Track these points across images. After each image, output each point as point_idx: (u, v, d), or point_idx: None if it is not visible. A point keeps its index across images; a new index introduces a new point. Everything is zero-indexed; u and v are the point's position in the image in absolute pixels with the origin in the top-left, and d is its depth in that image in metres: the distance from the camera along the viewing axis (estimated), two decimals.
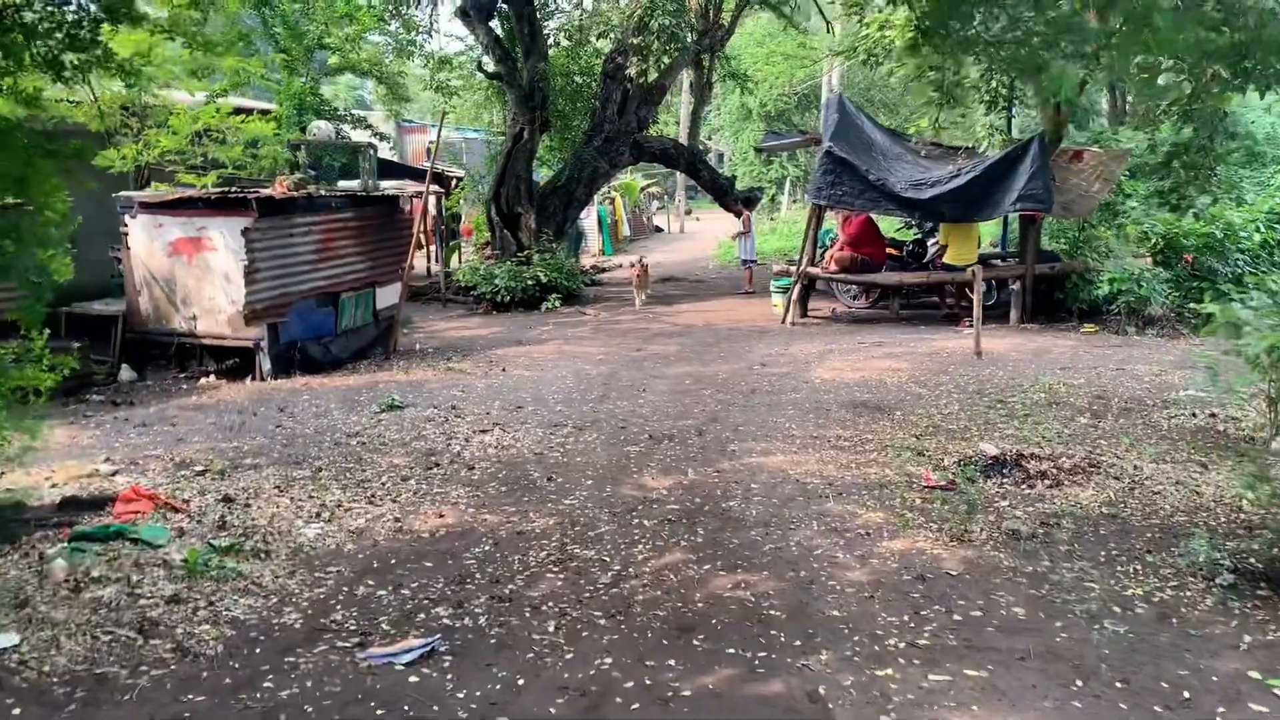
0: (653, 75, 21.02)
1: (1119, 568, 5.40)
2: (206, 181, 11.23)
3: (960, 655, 4.46)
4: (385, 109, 21.52)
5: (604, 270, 25.38)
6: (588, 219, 30.42)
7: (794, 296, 14.48)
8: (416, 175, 25.17)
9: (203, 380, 11.38)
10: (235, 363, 12.06)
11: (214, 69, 14.00)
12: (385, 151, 19.17)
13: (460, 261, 22.16)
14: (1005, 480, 6.84)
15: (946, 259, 14.17)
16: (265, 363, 11.38)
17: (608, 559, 5.64)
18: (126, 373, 11.80)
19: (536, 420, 8.94)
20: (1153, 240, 14.69)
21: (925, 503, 6.43)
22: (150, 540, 5.83)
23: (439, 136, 12.66)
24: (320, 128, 12.45)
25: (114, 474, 7.28)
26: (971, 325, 13.43)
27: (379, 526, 6.21)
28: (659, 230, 39.42)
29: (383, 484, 7.05)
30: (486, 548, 5.85)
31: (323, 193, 12.13)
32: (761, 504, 6.49)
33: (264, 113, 14.13)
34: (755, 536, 5.91)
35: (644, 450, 7.92)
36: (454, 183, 23.23)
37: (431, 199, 25.49)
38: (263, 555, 5.70)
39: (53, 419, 9.42)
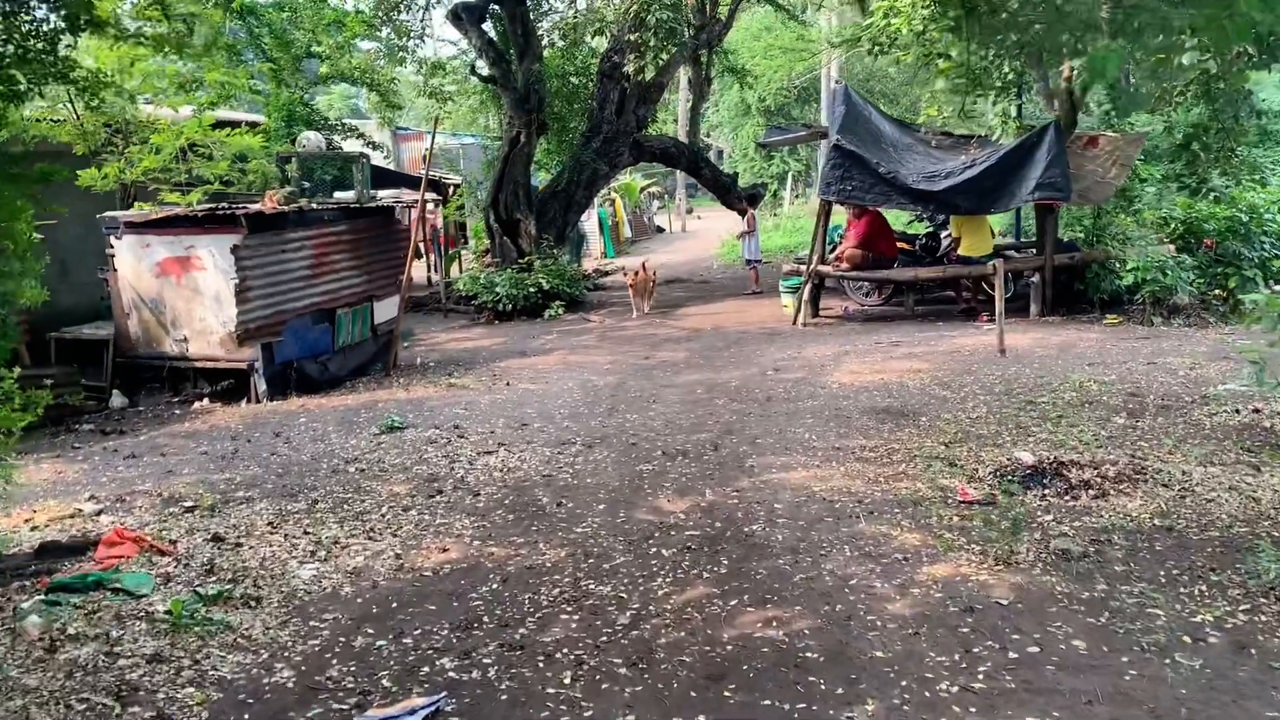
0: (650, 73, 20.62)
1: (1182, 589, 4.95)
2: (192, 199, 10.81)
3: (1021, 700, 4.03)
4: (379, 117, 21.09)
5: (607, 274, 24.94)
6: (589, 222, 30.02)
7: (804, 296, 14.04)
8: (414, 183, 24.81)
9: (196, 404, 10.98)
10: (230, 384, 11.65)
11: (200, 82, 13.61)
12: (380, 160, 18.75)
13: (461, 270, 21.78)
14: (1046, 492, 6.40)
15: (961, 251, 13.73)
16: (260, 384, 10.97)
17: (625, 595, 5.21)
18: (118, 399, 11.40)
19: (543, 438, 8.51)
20: (1171, 225, 14.24)
21: (964, 520, 5.99)
22: (133, 589, 5.41)
23: (432, 143, 12.24)
24: (310, 139, 12.04)
25: (98, 513, 6.86)
26: (990, 320, 13.00)
27: (379, 565, 5.78)
28: (661, 230, 38.98)
29: (382, 516, 6.63)
30: (494, 586, 5.43)
31: (314, 206, 11.72)
32: (787, 527, 6.06)
33: (252, 125, 13.73)
34: (783, 565, 5.47)
35: (657, 469, 7.49)
36: (451, 190, 22.81)
37: (430, 206, 25.17)
38: (253, 603, 5.27)
39: (39, 452, 9.07)
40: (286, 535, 6.29)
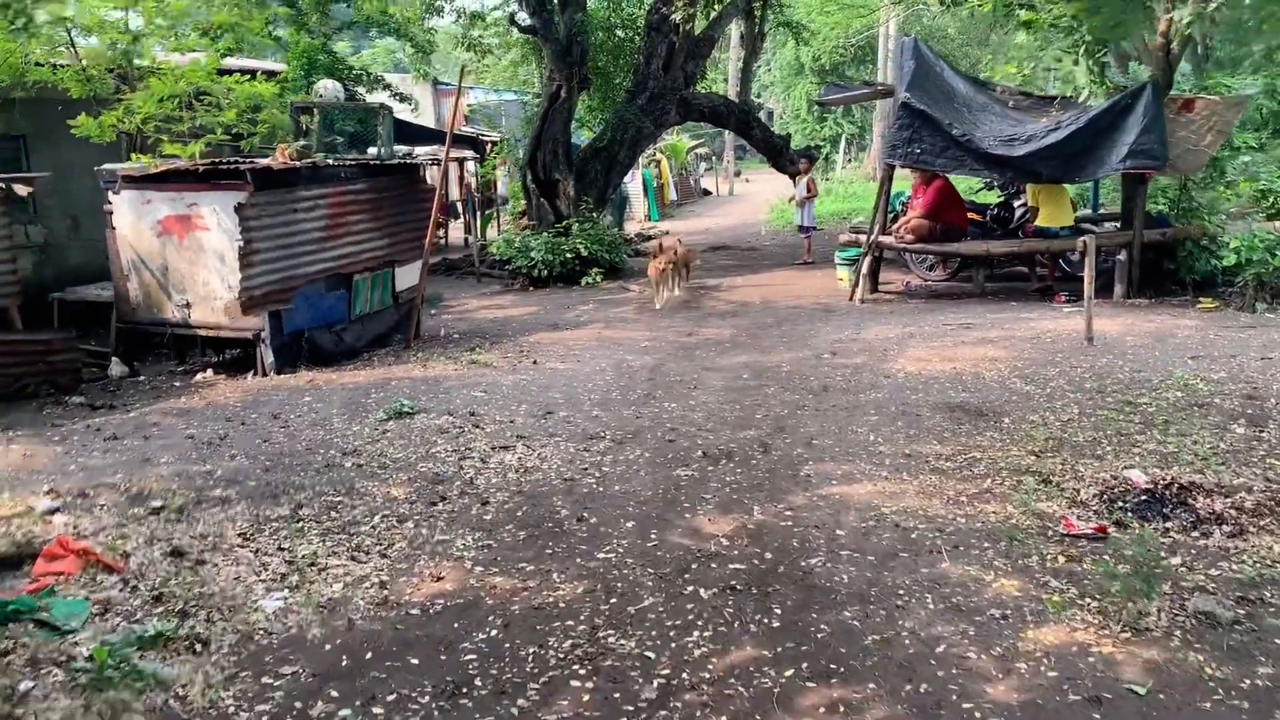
0: (700, 25, 19.32)
1: None
2: (194, 151, 9.85)
3: None
4: (415, 70, 20.02)
5: (650, 238, 23.84)
6: (632, 183, 28.87)
7: (864, 270, 12.85)
8: (457, 140, 23.81)
9: (199, 376, 10.11)
10: (237, 354, 10.78)
11: (220, 28, 12.64)
12: (410, 114, 17.67)
13: (499, 232, 20.78)
14: (1169, 526, 5.27)
15: (1039, 223, 12.44)
16: (267, 355, 10.06)
17: (652, 654, 4.19)
18: (117, 367, 10.57)
19: (568, 431, 7.49)
20: (1270, 199, 12.86)
21: (1072, 562, 4.88)
22: (61, 622, 4.49)
23: (459, 94, 11.16)
24: (327, 88, 11.04)
25: (52, 512, 5.96)
26: (1069, 300, 11.81)
27: (358, 596, 4.81)
28: (707, 193, 37.72)
29: (373, 528, 5.65)
30: (493, 632, 4.43)
31: (330, 162, 10.73)
32: (853, 563, 4.99)
33: (271, 74, 12.72)
34: (851, 620, 4.41)
35: (697, 475, 6.44)
36: (489, 147, 21.76)
37: (468, 165, 24.15)
38: (199, 647, 4.32)
39: (19, 428, 8.25)
40: (258, 550, 5.34)
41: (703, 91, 21.75)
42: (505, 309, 14.34)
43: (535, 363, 9.99)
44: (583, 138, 22.77)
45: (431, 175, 13.02)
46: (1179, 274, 12.17)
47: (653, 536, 5.43)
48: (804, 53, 35.73)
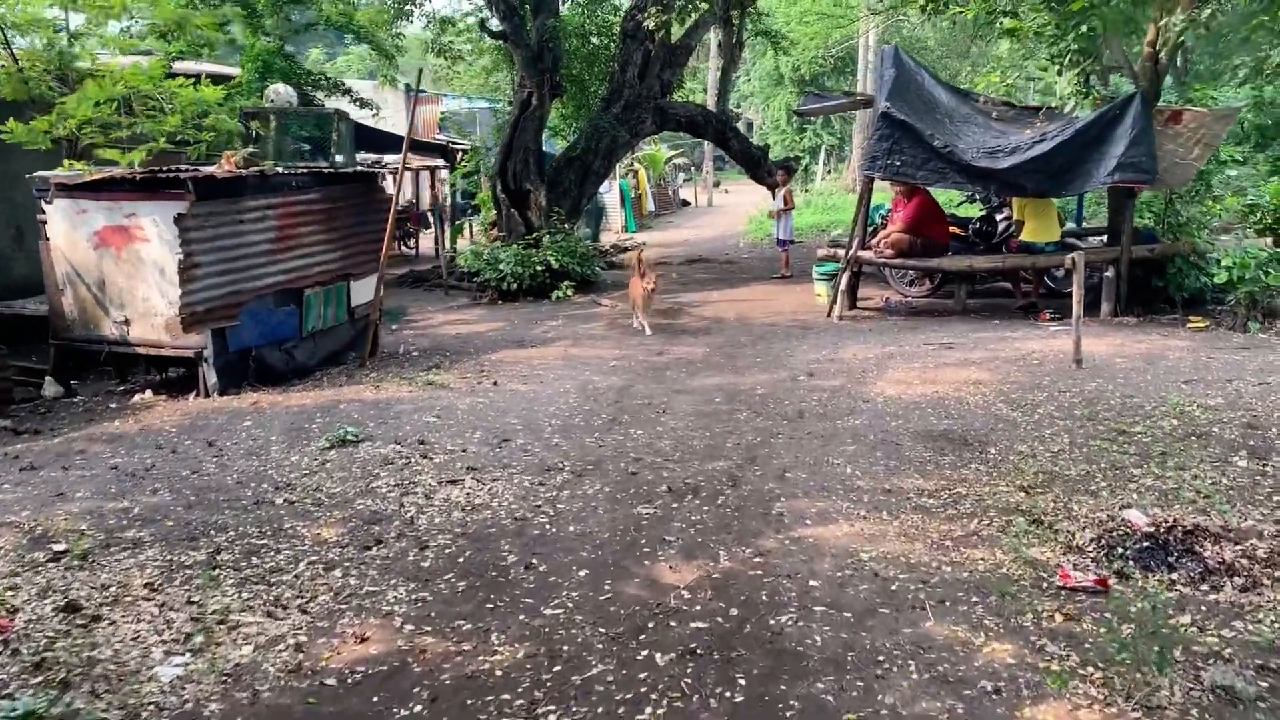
0: (676, 32, 18.88)
1: None
2: (134, 159, 9.26)
3: None
4: (381, 76, 19.46)
5: (626, 249, 23.36)
6: (609, 194, 28.42)
7: (842, 286, 12.38)
8: (424, 148, 23.26)
9: (136, 397, 9.50)
10: (181, 373, 10.17)
11: (168, 25, 12.05)
12: (372, 120, 17.04)
13: (473, 241, 20.22)
14: (1175, 577, 4.77)
15: (1024, 237, 12.01)
16: (210, 376, 9.46)
17: None
18: (51, 387, 9.95)
19: (524, 462, 6.94)
20: (1258, 214, 12.48)
21: (1071, 620, 4.38)
22: None
23: (415, 100, 10.59)
24: (279, 92, 10.46)
25: None
26: (1055, 319, 11.36)
27: (269, 662, 4.25)
28: (686, 204, 37.29)
29: (296, 577, 5.09)
30: (417, 708, 3.88)
31: (279, 170, 10.15)
32: (828, 621, 4.47)
33: (224, 79, 12.13)
34: (824, 693, 3.88)
35: (660, 513, 5.91)
36: (459, 156, 21.22)
37: (441, 174, 23.60)
38: None
39: None
40: (164, 604, 4.77)
41: (680, 101, 21.33)
42: (471, 324, 13.79)
43: (495, 384, 9.44)
44: (557, 147, 22.29)
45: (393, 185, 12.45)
46: (1168, 291, 11.76)
47: (607, 587, 4.89)
48: (783, 63, 35.44)
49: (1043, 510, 5.71)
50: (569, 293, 15.72)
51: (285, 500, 6.21)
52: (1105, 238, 13.27)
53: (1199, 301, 11.81)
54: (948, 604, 4.58)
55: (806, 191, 33.22)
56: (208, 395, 9.38)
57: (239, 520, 5.86)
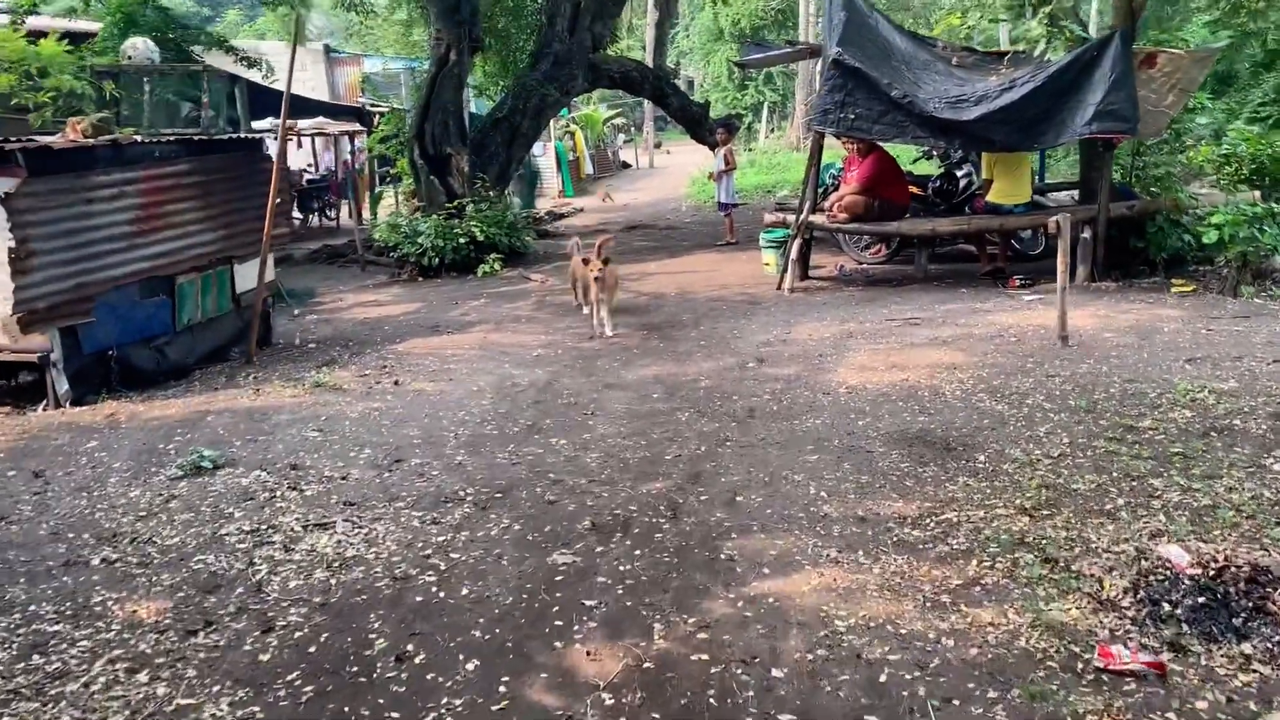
0: None
1: None
2: None
3: None
4: (279, 32, 17.76)
5: (562, 216, 22.01)
6: (544, 157, 26.97)
7: (793, 255, 11.18)
8: (345, 113, 21.59)
9: None
10: (31, 380, 8.70)
11: None
12: (263, 80, 15.34)
13: (392, 212, 18.68)
14: (1245, 645, 3.65)
15: (991, 198, 10.89)
16: (60, 383, 8.03)
17: None
18: None
19: (416, 491, 5.67)
20: (1233, 166, 11.49)
21: None
22: None
23: (293, 52, 9.10)
24: (137, 47, 8.96)
25: None
26: (1024, 285, 10.31)
27: None
28: (626, 166, 35.87)
29: (86, 686, 3.78)
30: None
31: (138, 139, 8.67)
32: None
33: (83, 37, 10.51)
34: None
35: (579, 561, 4.68)
36: (376, 119, 19.64)
37: (359, 140, 21.96)
38: None
39: None
40: None
41: (614, 56, 19.90)
42: (384, 305, 12.40)
43: (397, 383, 8.12)
44: (485, 106, 20.79)
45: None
46: (1147, 253, 10.73)
47: (502, 691, 3.66)
48: (723, 15, 34.01)
49: (1054, 542, 4.58)
50: (496, 267, 14.36)
51: (104, 560, 4.88)
52: (1076, 194, 12.25)
53: (1179, 262, 10.81)
54: (956, 703, 3.41)
55: (749, 150, 31.98)
56: (59, 405, 7.96)
57: (32, 594, 4.53)
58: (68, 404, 7.97)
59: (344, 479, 5.88)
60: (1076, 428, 6.10)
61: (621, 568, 4.59)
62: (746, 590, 4.30)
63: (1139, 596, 4.02)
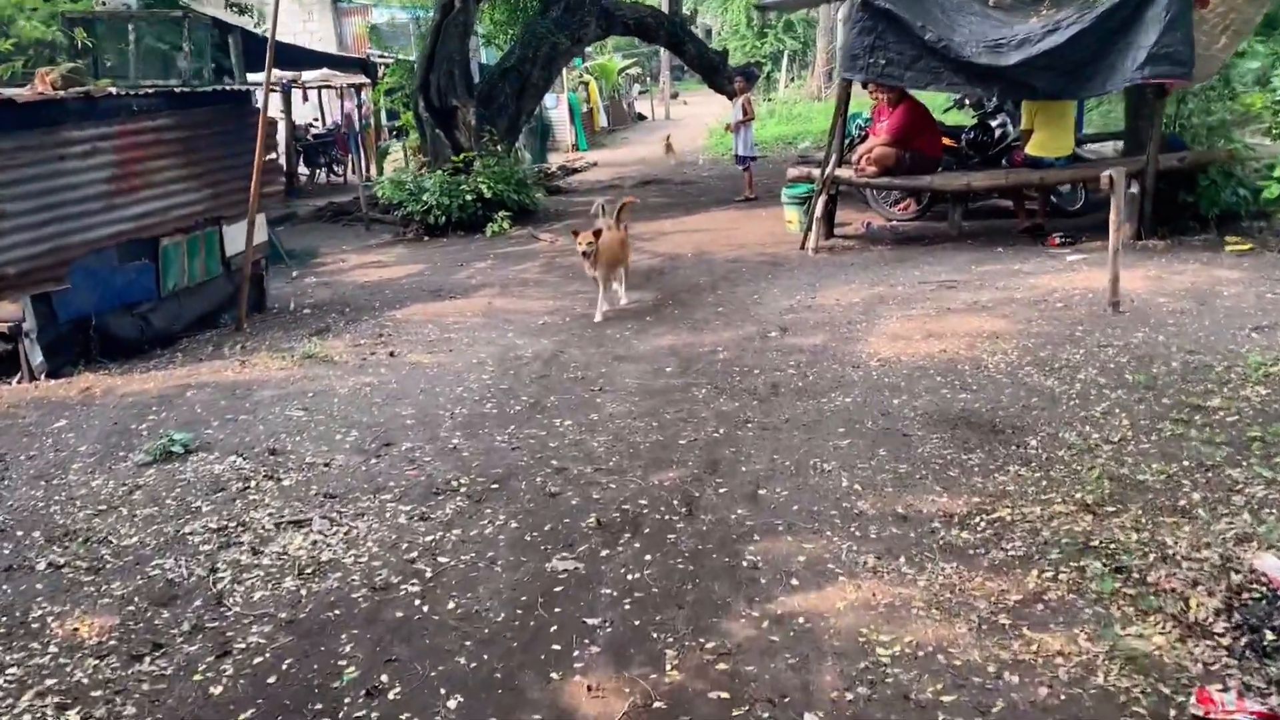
0: None
1: None
2: None
3: None
4: None
5: (575, 170, 21.32)
6: (557, 109, 26.24)
7: (817, 212, 10.49)
8: (357, 65, 20.83)
9: None
10: (9, 349, 8.18)
11: None
12: (254, 28, 14.63)
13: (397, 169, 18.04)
14: None
15: (1031, 150, 10.14)
16: (34, 354, 7.54)
17: None
18: None
19: (404, 481, 5.12)
20: None
21: None
22: None
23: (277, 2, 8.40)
24: None
25: None
26: (1064, 243, 9.64)
27: None
28: (642, 118, 35.06)
29: None
30: None
31: (113, 90, 8.07)
32: None
33: None
34: None
35: (582, 568, 4.13)
36: (381, 71, 18.93)
37: (364, 93, 21.28)
38: None
39: None
40: None
41: (628, 2, 19.06)
42: (386, 267, 11.83)
43: (393, 355, 7.56)
44: (494, 56, 20.06)
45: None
46: (1198, 208, 9.99)
47: None
48: None
49: (1124, 546, 3.99)
50: (505, 225, 13.74)
51: (51, 565, 4.37)
52: (1116, 145, 11.50)
53: (1232, 219, 10.06)
54: None
55: (769, 100, 31.02)
56: (33, 378, 7.46)
57: None
58: (42, 376, 7.47)
59: (326, 466, 5.33)
60: (1137, 407, 5.48)
61: (630, 576, 4.04)
62: (772, 607, 3.74)
63: (1234, 621, 3.43)
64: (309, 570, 4.20)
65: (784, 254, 10.57)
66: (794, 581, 3.92)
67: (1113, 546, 4.02)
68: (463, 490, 4.98)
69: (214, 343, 8.38)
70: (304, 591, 4.03)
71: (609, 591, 3.93)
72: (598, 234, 8.23)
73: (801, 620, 3.63)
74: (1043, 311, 7.47)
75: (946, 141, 11.19)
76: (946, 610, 3.65)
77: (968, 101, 12.59)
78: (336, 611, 3.88)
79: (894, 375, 6.34)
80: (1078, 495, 4.50)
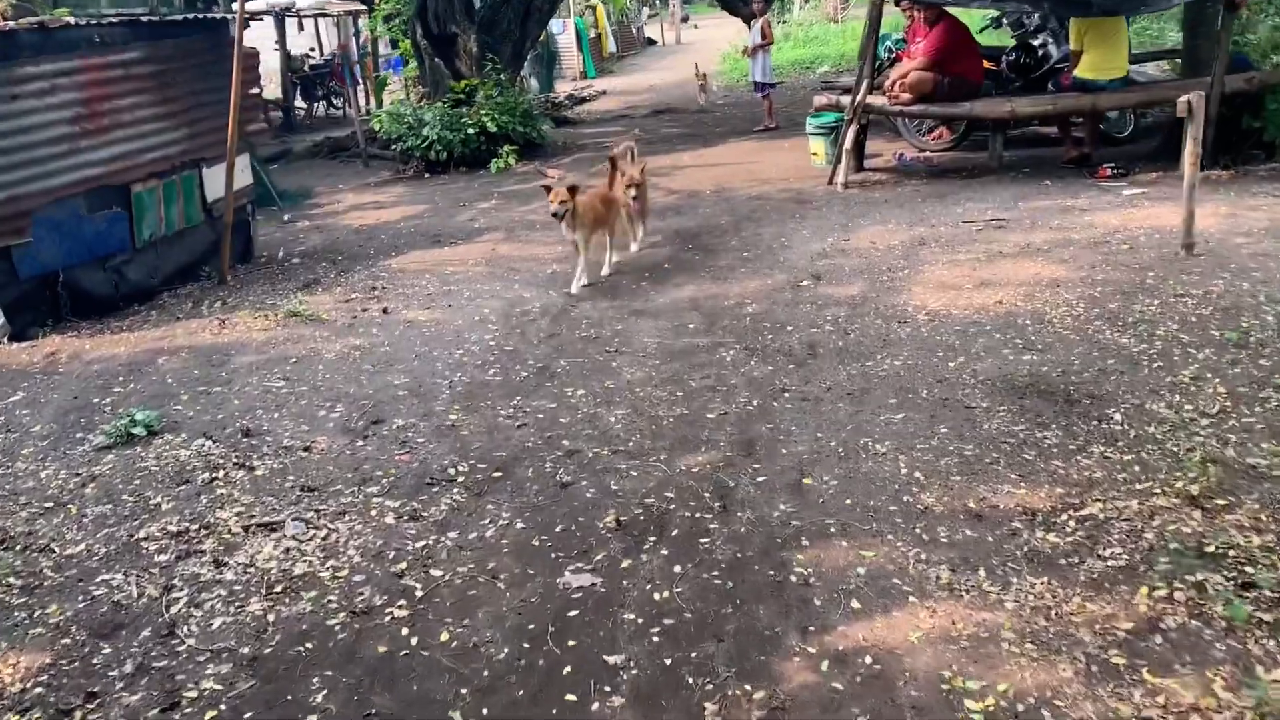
0: None
1: None
2: None
3: None
4: None
5: (584, 100, 20.38)
6: (564, 35, 25.14)
7: (847, 144, 9.66)
8: None
9: None
10: None
11: None
12: None
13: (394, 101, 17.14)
14: None
15: (1081, 72, 9.25)
16: None
17: None
18: None
19: (393, 471, 4.47)
20: None
21: None
22: None
23: None
24: None
25: None
26: (1116, 174, 8.85)
27: None
28: (651, 43, 33.82)
29: None
30: None
31: (71, 20, 7.28)
32: None
33: None
34: None
35: (600, 586, 3.49)
36: None
37: (361, 21, 20.26)
38: None
39: None
40: None
41: None
42: (384, 208, 11.09)
43: (386, 311, 6.88)
44: None
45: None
46: (1263, 134, 9.13)
47: None
48: None
49: (1245, 553, 3.34)
50: (510, 160, 12.93)
51: None
52: (1164, 65, 10.64)
53: None
54: None
55: (783, 24, 29.75)
56: None
57: None
58: (6, 339, 6.83)
59: (306, 451, 4.69)
60: (1231, 371, 4.78)
61: (656, 595, 3.40)
62: (831, 640, 3.09)
63: None
64: (279, 588, 3.57)
65: (810, 190, 9.77)
66: (854, 603, 3.27)
67: (1233, 554, 3.35)
68: (460, 480, 4.33)
69: (194, 298, 7.70)
70: (271, 617, 3.40)
71: (632, 617, 3.29)
72: (573, 190, 6.92)
73: (869, 660, 2.98)
74: (1106, 255, 6.72)
75: (986, 64, 10.29)
76: (1044, 645, 2.99)
77: (1005, 20, 11.67)
78: (309, 645, 3.25)
79: (946, 332, 5.63)
80: (1179, 484, 3.82)
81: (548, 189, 6.97)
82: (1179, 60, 11.38)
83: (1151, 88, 9.46)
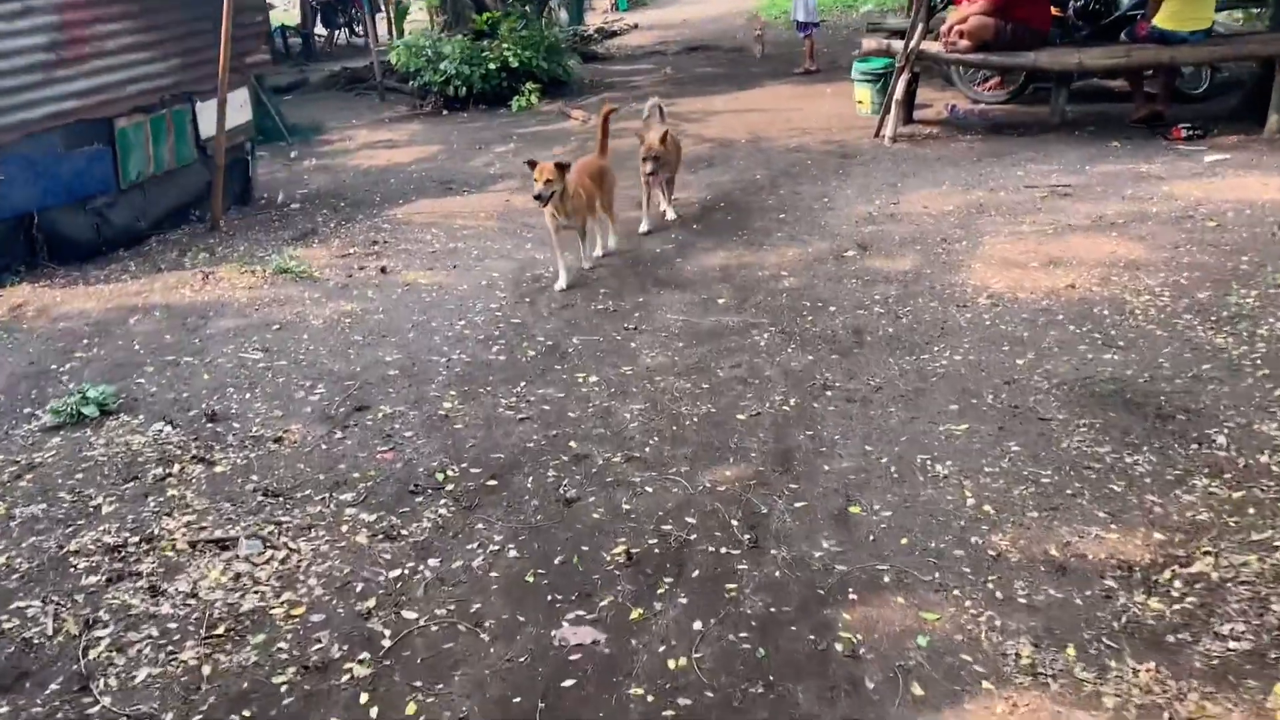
0: None
1: None
2: None
3: None
4: None
5: (614, 34, 19.44)
6: None
7: (897, 95, 8.84)
8: None
9: None
10: None
11: None
12: None
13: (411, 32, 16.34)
14: None
15: (1160, 22, 8.36)
16: None
17: None
18: None
19: (372, 474, 3.87)
20: None
21: None
22: None
23: None
24: None
25: None
26: (1195, 136, 8.06)
27: None
28: None
29: None
30: None
31: None
32: None
33: None
34: None
35: (603, 646, 2.89)
36: None
37: None
38: None
39: None
40: None
41: None
42: (396, 147, 10.41)
43: (384, 270, 6.25)
44: None
45: None
46: None
47: None
48: None
49: None
50: (533, 99, 12.18)
51: None
52: (1235, 15, 9.71)
53: None
54: None
55: None
56: None
57: None
58: None
59: (277, 442, 4.09)
60: None
61: (671, 662, 2.79)
62: None
63: None
64: (221, 629, 2.99)
65: (855, 142, 8.99)
66: (915, 688, 2.65)
67: None
68: (449, 489, 3.73)
69: (181, 246, 7.09)
70: (207, 670, 2.83)
71: (640, 693, 2.69)
72: (562, 168, 5.74)
73: None
74: (1190, 233, 5.97)
75: (1054, 11, 9.39)
76: None
77: None
78: (245, 713, 2.67)
79: (1012, 320, 4.94)
80: None
81: (532, 164, 5.81)
82: (1253, 10, 10.47)
83: (1237, 42, 8.58)
